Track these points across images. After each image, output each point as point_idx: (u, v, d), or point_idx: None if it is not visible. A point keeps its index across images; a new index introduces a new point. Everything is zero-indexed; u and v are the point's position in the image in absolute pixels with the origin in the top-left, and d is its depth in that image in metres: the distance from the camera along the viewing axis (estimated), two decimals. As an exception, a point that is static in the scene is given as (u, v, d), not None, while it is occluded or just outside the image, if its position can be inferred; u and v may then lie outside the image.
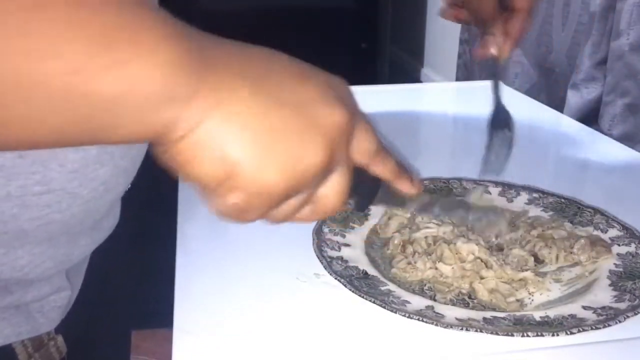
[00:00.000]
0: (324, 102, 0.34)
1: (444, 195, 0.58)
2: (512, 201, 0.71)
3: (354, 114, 0.35)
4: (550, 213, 0.68)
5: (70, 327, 0.57)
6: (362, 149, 0.37)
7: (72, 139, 0.30)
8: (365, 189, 0.40)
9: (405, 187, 0.42)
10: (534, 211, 0.69)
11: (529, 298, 0.56)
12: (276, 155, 0.32)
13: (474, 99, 0.63)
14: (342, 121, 0.34)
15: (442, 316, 0.52)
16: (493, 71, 0.63)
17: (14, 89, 0.26)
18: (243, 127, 0.31)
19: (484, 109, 0.66)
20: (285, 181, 0.32)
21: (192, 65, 0.29)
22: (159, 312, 0.66)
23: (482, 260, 0.58)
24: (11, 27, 0.25)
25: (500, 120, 0.64)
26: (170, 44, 0.29)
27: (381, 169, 0.39)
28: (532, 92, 1.63)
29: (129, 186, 0.66)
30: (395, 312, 0.51)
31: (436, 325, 0.50)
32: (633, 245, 0.62)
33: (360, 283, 0.55)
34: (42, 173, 0.46)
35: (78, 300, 0.58)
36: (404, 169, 0.41)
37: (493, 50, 0.61)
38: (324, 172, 0.35)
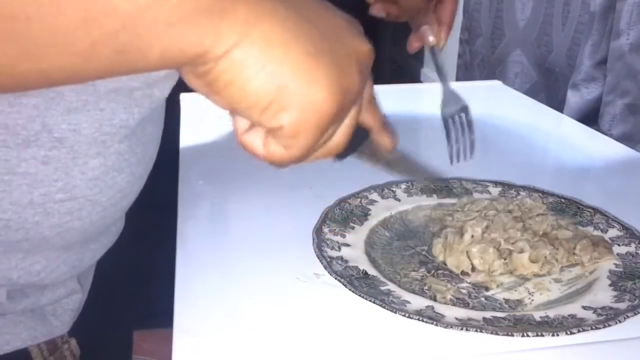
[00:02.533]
0: (352, 33, 0.34)
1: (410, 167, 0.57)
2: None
3: (373, 51, 0.36)
4: (551, 213, 0.68)
5: (81, 330, 0.57)
6: (364, 94, 0.37)
7: (100, 66, 0.28)
8: (353, 138, 0.39)
9: (385, 139, 0.42)
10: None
11: (529, 298, 0.56)
12: (322, 73, 0.31)
13: (474, 99, 0.63)
14: (368, 52, 0.35)
15: (442, 316, 0.52)
16: (435, 60, 0.64)
17: (36, 10, 0.25)
18: (285, 45, 0.30)
19: (484, 109, 0.66)
20: (334, 98, 0.32)
21: None
22: (159, 312, 0.66)
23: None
24: None
25: (453, 105, 0.64)
26: None
27: (371, 117, 0.39)
28: (532, 92, 1.63)
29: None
30: (395, 312, 0.51)
31: (436, 325, 0.50)
32: (633, 245, 0.62)
33: (360, 283, 0.55)
34: (64, 180, 0.46)
35: (87, 303, 0.58)
36: (388, 124, 0.42)
37: (431, 39, 0.61)
38: (356, 99, 0.35)
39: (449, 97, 0.65)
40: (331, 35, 0.33)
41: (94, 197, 0.48)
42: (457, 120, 0.63)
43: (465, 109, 0.64)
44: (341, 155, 0.39)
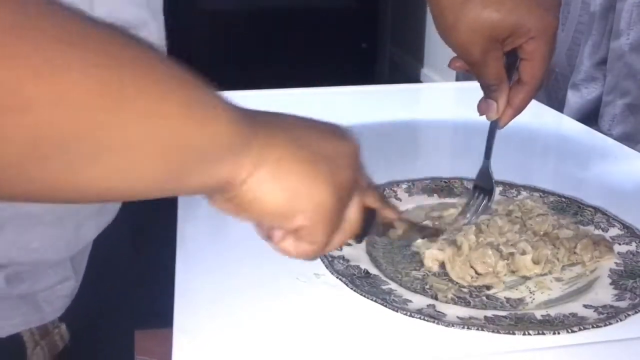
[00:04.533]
0: (337, 137, 0.42)
1: (420, 228, 0.60)
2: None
3: (359, 148, 0.44)
4: (551, 212, 0.68)
5: (73, 317, 0.58)
6: (361, 182, 0.44)
7: (158, 190, 0.35)
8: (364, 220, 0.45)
9: (390, 213, 0.48)
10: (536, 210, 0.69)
11: (530, 297, 0.56)
12: (322, 175, 0.39)
13: (474, 99, 0.63)
14: (355, 149, 0.43)
15: (444, 315, 0.52)
16: (490, 133, 0.63)
17: (125, 143, 0.31)
18: (291, 161, 0.38)
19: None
20: (334, 193, 0.39)
21: (247, 124, 0.36)
22: (159, 312, 0.66)
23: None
24: (132, 97, 0.30)
25: (482, 188, 0.65)
26: (231, 109, 0.35)
27: (372, 198, 0.46)
28: (532, 92, 1.63)
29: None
30: (397, 311, 0.51)
31: (437, 323, 0.50)
32: (634, 244, 0.62)
33: (361, 282, 0.55)
34: None
35: (81, 291, 0.59)
36: (386, 198, 0.49)
37: (493, 116, 0.60)
38: (354, 187, 0.42)
39: (483, 175, 0.65)
40: (322, 144, 0.41)
41: None
42: (478, 200, 0.64)
43: (490, 193, 0.65)
44: (359, 238, 0.46)
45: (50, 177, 0.30)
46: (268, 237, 0.43)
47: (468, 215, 0.65)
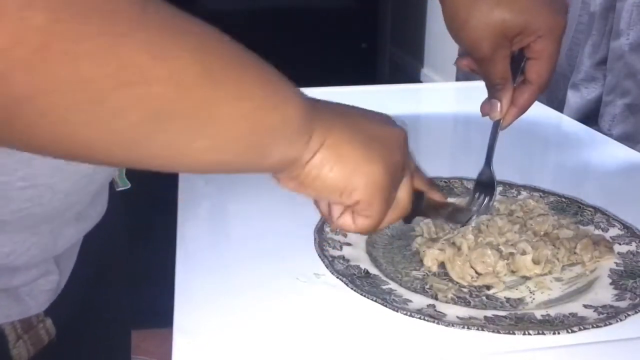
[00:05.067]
0: (387, 124, 0.47)
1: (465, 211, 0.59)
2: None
3: (407, 135, 0.48)
4: (552, 212, 0.68)
5: (60, 311, 0.57)
6: (409, 165, 0.48)
7: (245, 164, 0.40)
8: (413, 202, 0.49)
9: (437, 195, 0.52)
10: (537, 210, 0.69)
11: (530, 297, 0.56)
12: (376, 155, 0.43)
13: (474, 99, 0.63)
14: (403, 136, 0.47)
15: (444, 315, 0.52)
16: (493, 133, 0.62)
17: (215, 122, 0.35)
18: (348, 142, 0.42)
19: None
20: (388, 171, 0.43)
21: (312, 110, 0.40)
22: (159, 312, 0.66)
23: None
24: (225, 83, 0.35)
25: (484, 186, 0.64)
26: (300, 96, 0.40)
27: (420, 181, 0.50)
28: (532, 92, 1.62)
29: (129, 186, 0.66)
30: (397, 311, 0.51)
31: (438, 323, 0.50)
32: (634, 244, 0.62)
33: (362, 282, 0.55)
34: (24, 170, 0.47)
35: (68, 286, 0.59)
36: (434, 183, 0.53)
37: (497, 116, 0.60)
38: (404, 169, 0.46)
39: (485, 175, 0.64)
40: (375, 129, 0.45)
41: (55, 184, 0.50)
42: (480, 199, 0.64)
43: (491, 193, 0.64)
44: (408, 218, 0.50)
45: (161, 147, 0.34)
46: (327, 214, 0.47)
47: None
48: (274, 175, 0.43)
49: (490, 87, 0.61)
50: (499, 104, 0.60)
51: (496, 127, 0.62)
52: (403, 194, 0.47)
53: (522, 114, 0.61)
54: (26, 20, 0.27)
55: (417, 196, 0.49)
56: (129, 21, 0.31)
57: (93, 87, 0.30)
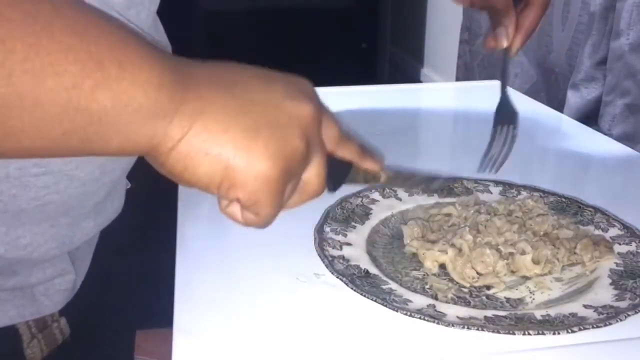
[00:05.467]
0: (292, 98, 0.39)
1: (406, 177, 0.57)
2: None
3: (319, 107, 0.40)
4: (551, 212, 0.68)
5: (74, 311, 0.58)
6: (328, 137, 0.41)
7: (69, 149, 0.34)
8: (337, 172, 0.44)
9: (369, 165, 0.46)
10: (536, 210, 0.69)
11: (530, 297, 0.56)
12: (262, 145, 0.36)
13: (474, 99, 0.63)
14: (310, 112, 0.39)
15: (444, 315, 0.52)
16: (503, 64, 0.61)
17: (20, 103, 0.30)
18: (225, 130, 0.35)
19: (484, 108, 0.66)
20: (276, 165, 0.36)
21: (172, 84, 0.34)
22: (159, 312, 0.66)
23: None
24: (19, 51, 0.29)
25: (506, 115, 0.62)
26: (152, 66, 0.33)
27: (347, 152, 0.44)
28: (532, 92, 1.63)
29: (130, 185, 0.66)
30: (397, 311, 0.51)
31: (438, 323, 0.50)
32: (634, 244, 0.62)
33: (361, 282, 0.55)
34: None
35: (83, 286, 0.59)
36: (367, 151, 0.46)
37: (504, 43, 0.59)
38: (306, 157, 0.39)
39: (504, 105, 0.62)
40: (270, 108, 0.37)
41: (70, 171, 0.49)
42: (504, 131, 0.61)
43: (515, 120, 0.62)
44: (331, 188, 0.44)
45: None
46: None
47: (493, 153, 0.62)
48: (147, 159, 0.37)
49: (493, 17, 0.59)
50: (504, 31, 0.58)
51: (506, 56, 0.60)
52: (311, 176, 0.40)
53: (529, 37, 0.60)
54: None
55: (343, 167, 0.44)
56: None
57: None
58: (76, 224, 0.55)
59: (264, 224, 0.40)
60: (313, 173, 0.40)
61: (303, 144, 0.38)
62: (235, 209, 0.39)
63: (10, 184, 0.47)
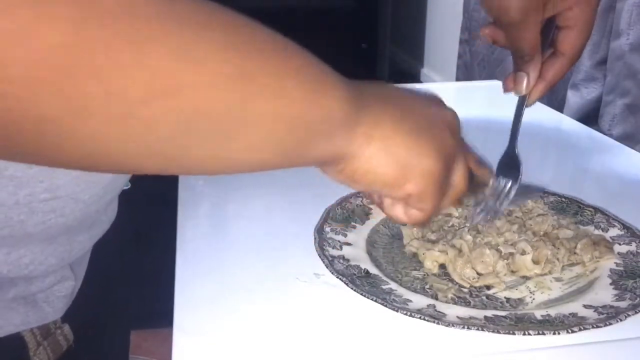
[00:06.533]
0: (434, 105, 0.45)
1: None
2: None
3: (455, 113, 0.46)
4: (551, 212, 0.68)
5: (76, 317, 0.58)
6: (462, 146, 0.47)
7: (281, 161, 0.38)
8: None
9: (485, 174, 0.51)
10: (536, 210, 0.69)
11: (530, 297, 0.56)
12: (424, 144, 0.41)
13: (474, 99, 0.63)
14: (454, 117, 0.45)
15: (444, 315, 0.52)
16: (518, 108, 0.57)
17: (262, 119, 0.33)
18: (395, 134, 0.40)
19: (484, 109, 0.66)
20: (439, 160, 0.42)
21: (354, 98, 0.38)
22: (159, 312, 0.66)
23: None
24: (258, 84, 0.32)
25: (507, 168, 0.59)
26: (344, 87, 0.38)
27: (473, 162, 0.49)
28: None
29: (129, 186, 0.66)
30: (397, 311, 0.51)
31: (438, 323, 0.50)
32: (634, 244, 0.62)
33: (361, 282, 0.55)
34: (49, 181, 0.48)
35: (82, 291, 0.59)
36: (482, 160, 0.51)
37: (523, 91, 0.56)
38: (456, 155, 0.44)
39: (509, 156, 0.59)
40: (422, 114, 0.43)
41: (76, 195, 0.50)
42: (501, 185, 0.58)
43: (517, 176, 0.58)
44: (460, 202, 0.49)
45: (197, 153, 0.33)
46: (379, 204, 0.46)
47: (490, 204, 0.58)
48: (321, 168, 0.41)
49: (517, 59, 0.56)
50: (525, 78, 0.55)
51: (521, 104, 0.57)
52: (459, 178, 0.45)
53: (550, 89, 0.57)
54: (46, 37, 0.24)
55: (470, 176, 0.48)
56: (148, 21, 0.27)
57: (122, 101, 0.27)
58: (73, 238, 0.55)
59: (427, 219, 0.44)
60: (459, 174, 0.45)
61: (454, 140, 0.43)
62: (399, 209, 0.44)
63: (19, 210, 0.47)
